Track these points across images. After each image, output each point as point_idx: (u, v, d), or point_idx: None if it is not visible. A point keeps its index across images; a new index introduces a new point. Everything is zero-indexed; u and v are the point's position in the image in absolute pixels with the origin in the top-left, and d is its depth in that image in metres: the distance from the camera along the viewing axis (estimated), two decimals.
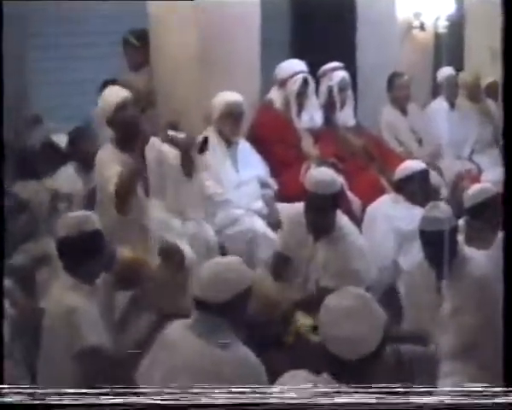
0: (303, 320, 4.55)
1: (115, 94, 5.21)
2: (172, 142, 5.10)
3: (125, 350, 4.01)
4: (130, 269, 4.53)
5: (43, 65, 8.05)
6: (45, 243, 5.62)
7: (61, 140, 6.48)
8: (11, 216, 6.12)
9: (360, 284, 4.57)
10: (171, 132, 5.13)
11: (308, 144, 6.53)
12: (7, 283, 4.74)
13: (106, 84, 6.34)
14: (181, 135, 5.14)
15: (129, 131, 5.04)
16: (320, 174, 5.13)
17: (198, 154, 5.14)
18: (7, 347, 4.36)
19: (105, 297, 4.37)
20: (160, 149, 5.20)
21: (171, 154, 5.20)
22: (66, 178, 6.10)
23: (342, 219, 5.05)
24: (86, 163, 5.78)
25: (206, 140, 5.10)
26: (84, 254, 4.12)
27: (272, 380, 3.42)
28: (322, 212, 4.91)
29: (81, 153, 6.02)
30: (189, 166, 5.17)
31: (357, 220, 5.71)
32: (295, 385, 3.10)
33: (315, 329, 4.39)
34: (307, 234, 5.01)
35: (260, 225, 5.81)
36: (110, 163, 5.00)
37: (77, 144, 6.28)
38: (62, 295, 4.09)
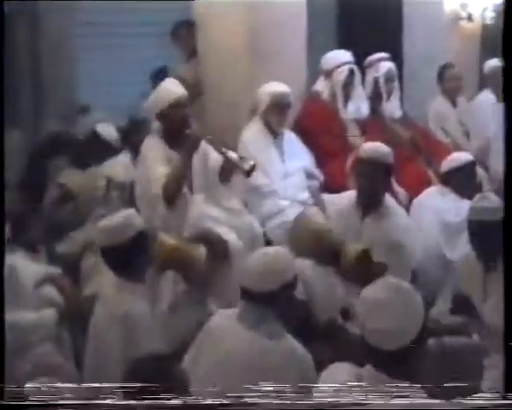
0: (353, 247, 4.61)
1: (172, 90, 5.22)
2: (223, 156, 5.13)
3: (173, 342, 4.00)
4: (172, 254, 4.54)
5: (91, 55, 8.11)
6: (91, 231, 5.68)
7: (109, 130, 6.52)
8: (58, 205, 6.21)
9: (408, 261, 4.86)
10: (225, 151, 5.14)
11: (354, 135, 6.52)
12: (54, 269, 4.81)
13: (160, 72, 6.41)
14: (233, 155, 5.16)
15: (178, 129, 5.09)
16: (375, 143, 5.23)
17: (245, 177, 5.19)
18: (54, 332, 4.43)
19: (151, 288, 4.37)
20: (204, 150, 5.21)
21: (214, 157, 5.24)
22: (121, 166, 6.13)
23: (390, 200, 5.10)
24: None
25: (254, 166, 5.13)
26: (130, 256, 4.06)
27: (318, 372, 3.42)
28: (373, 179, 4.98)
29: (135, 143, 6.04)
30: (226, 176, 5.27)
31: None
32: (339, 378, 3.09)
33: (366, 254, 4.54)
34: (355, 212, 5.06)
35: None
36: (156, 160, 5.09)
37: (131, 135, 6.31)
38: (115, 296, 4.05)
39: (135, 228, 4.10)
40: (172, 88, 5.25)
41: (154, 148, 5.19)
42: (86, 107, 7.51)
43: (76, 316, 4.54)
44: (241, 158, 5.15)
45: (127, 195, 5.69)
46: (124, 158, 6.24)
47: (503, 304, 3.40)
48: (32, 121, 7.82)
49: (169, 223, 5.03)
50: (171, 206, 5.02)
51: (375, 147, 5.17)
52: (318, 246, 4.61)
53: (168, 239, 4.60)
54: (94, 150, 6.40)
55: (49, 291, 4.58)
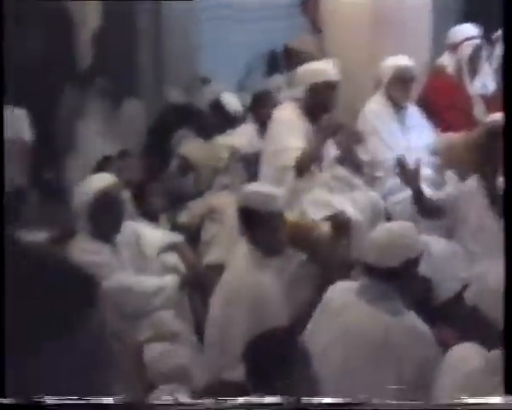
0: None
1: (330, 71, 5.32)
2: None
3: (294, 316, 3.98)
4: (295, 232, 4.52)
5: (211, 26, 8.12)
6: (213, 200, 5.72)
7: (232, 100, 6.51)
8: (178, 175, 6.27)
9: None
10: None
11: (480, 111, 6.34)
12: (177, 237, 4.85)
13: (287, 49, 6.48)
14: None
15: (322, 109, 5.24)
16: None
17: None
18: (175, 299, 4.46)
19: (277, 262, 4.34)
20: None
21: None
22: (246, 137, 6.12)
23: None
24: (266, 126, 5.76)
25: None
26: (267, 229, 4.00)
27: (442, 351, 3.35)
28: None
29: (259, 115, 6.05)
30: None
31: None
32: (467, 361, 3.00)
33: None
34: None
35: (428, 192, 5.68)
36: (291, 130, 5.19)
37: (255, 106, 6.29)
38: (247, 268, 4.00)
39: (276, 205, 4.07)
40: (331, 70, 5.34)
41: (291, 116, 5.30)
42: (207, 78, 7.53)
43: (197, 284, 4.58)
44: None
45: (252, 166, 5.67)
46: (249, 129, 6.22)
47: (504, 302, 3.25)
48: (153, 92, 7.90)
49: (294, 194, 5.10)
50: (301, 178, 5.13)
51: (495, 117, 4.93)
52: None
53: (291, 217, 4.62)
54: (217, 121, 6.40)
55: (172, 258, 4.63)
